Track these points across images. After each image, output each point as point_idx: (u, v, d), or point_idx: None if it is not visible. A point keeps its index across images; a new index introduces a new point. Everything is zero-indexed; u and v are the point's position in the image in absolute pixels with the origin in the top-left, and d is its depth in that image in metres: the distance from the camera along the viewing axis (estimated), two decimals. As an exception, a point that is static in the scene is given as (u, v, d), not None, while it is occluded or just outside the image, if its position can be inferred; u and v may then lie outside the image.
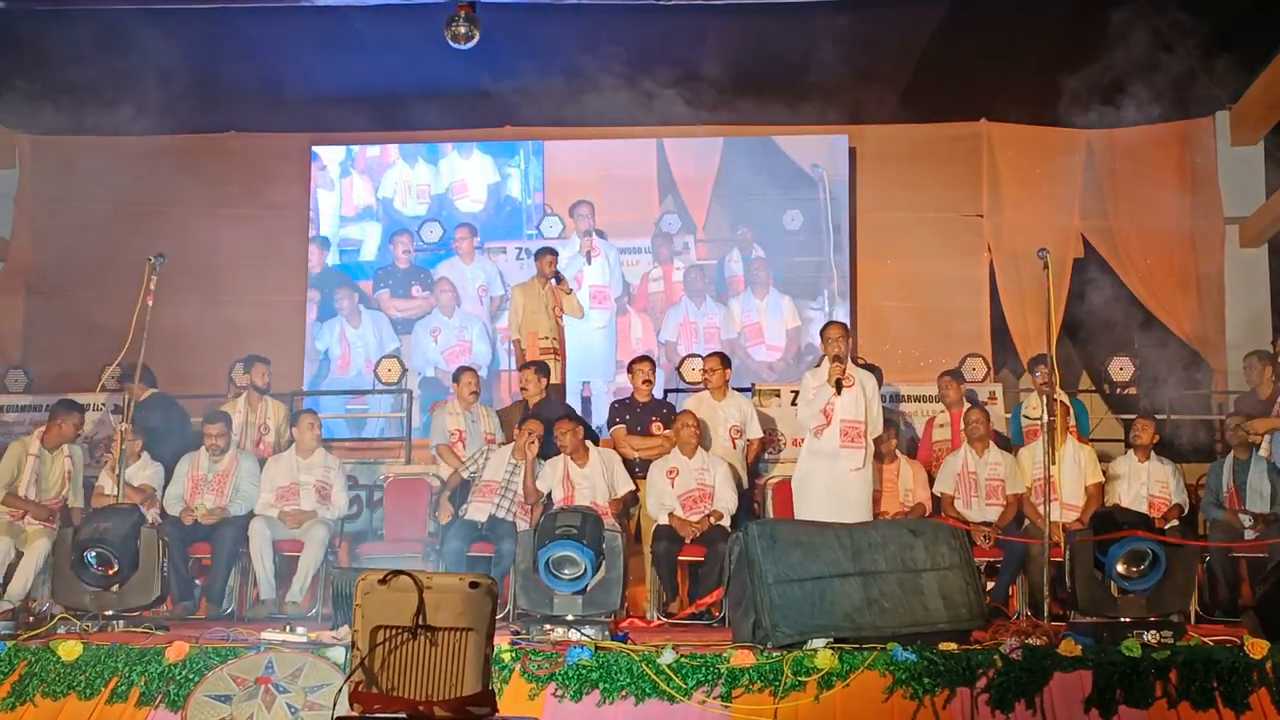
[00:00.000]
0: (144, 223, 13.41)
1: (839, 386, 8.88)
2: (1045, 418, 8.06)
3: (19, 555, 8.92)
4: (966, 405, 10.19)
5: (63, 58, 11.62)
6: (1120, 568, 7.21)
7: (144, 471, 9.81)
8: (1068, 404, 9.95)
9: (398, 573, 4.10)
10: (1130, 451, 9.75)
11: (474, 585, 4.10)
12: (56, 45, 11.49)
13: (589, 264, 13.12)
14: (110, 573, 7.38)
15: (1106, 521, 7.52)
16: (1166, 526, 8.79)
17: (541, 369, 10.51)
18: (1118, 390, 11.52)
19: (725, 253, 13.60)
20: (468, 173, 13.95)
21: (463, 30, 11.06)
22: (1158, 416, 10.96)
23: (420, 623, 4.07)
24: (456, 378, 10.57)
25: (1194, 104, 12.79)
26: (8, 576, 8.80)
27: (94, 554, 7.32)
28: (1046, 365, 8.71)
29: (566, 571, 7.30)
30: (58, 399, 9.95)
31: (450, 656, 4.10)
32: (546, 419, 9.68)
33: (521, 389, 10.54)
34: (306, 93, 13.17)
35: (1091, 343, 12.51)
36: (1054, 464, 8.33)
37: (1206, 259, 13.22)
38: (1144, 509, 9.14)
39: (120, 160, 13.86)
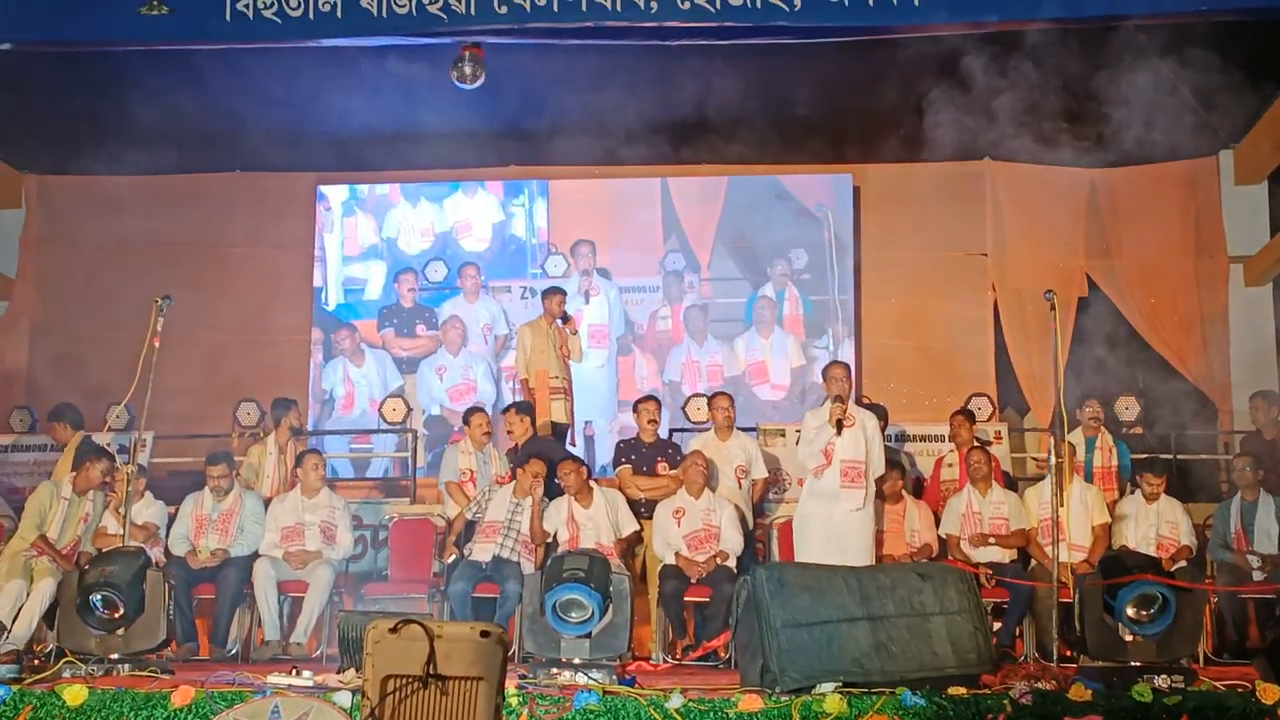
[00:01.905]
0: (149, 262, 13.47)
1: (839, 426, 8.88)
2: (1053, 458, 8.04)
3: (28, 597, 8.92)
4: (974, 445, 10.19)
5: (69, 98, 11.69)
6: (1130, 611, 7.17)
7: (147, 510, 9.79)
8: (1110, 445, 10.00)
9: (408, 621, 4.08)
10: (1138, 492, 9.73)
11: (485, 634, 4.08)
12: (63, 86, 11.56)
13: (586, 303, 13.12)
14: (116, 616, 7.35)
15: (1115, 565, 7.48)
16: (1175, 568, 8.75)
17: (523, 409, 10.49)
18: (1124, 430, 11.49)
19: (742, 291, 13.59)
20: (472, 212, 13.98)
21: (468, 71, 11.10)
22: (1162, 456, 10.96)
23: (431, 672, 4.05)
24: (467, 419, 10.55)
25: (1198, 143, 12.81)
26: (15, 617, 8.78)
27: (100, 597, 7.29)
28: (1097, 401, 8.70)
29: (574, 615, 7.26)
30: (92, 446, 9.95)
31: (461, 706, 4.08)
32: (549, 459, 9.67)
33: (507, 431, 10.50)
34: (312, 132, 13.20)
35: (1097, 382, 12.49)
36: (1061, 505, 8.30)
37: (1211, 298, 13.24)
38: (1152, 550, 9.13)
39: (126, 200, 13.90)
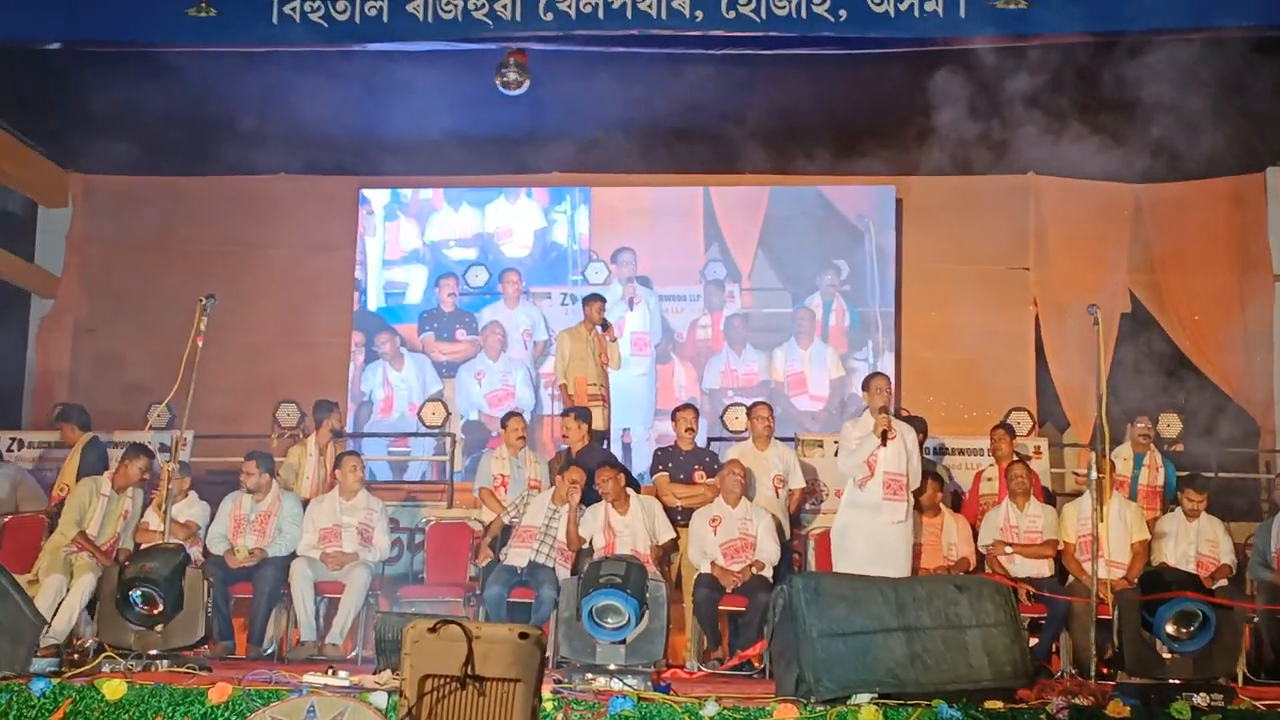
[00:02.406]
0: (192, 262, 13.57)
1: (884, 438, 8.86)
2: (1094, 474, 7.99)
3: (67, 591, 9.00)
4: (1014, 459, 10.15)
5: (116, 98, 11.77)
6: (1170, 628, 7.10)
7: (190, 509, 9.88)
8: (1159, 463, 10.07)
9: (447, 621, 4.09)
10: (1178, 509, 9.66)
11: (523, 636, 4.09)
12: (110, 85, 11.63)
13: (631, 310, 13.13)
14: (155, 612, 7.38)
15: (1155, 581, 7.42)
16: (1215, 586, 8.69)
17: (583, 415, 10.51)
18: (1165, 447, 11.41)
19: (805, 297, 13.58)
20: (514, 217, 14.03)
21: (513, 77, 11.17)
22: (1203, 474, 10.87)
23: (469, 672, 4.06)
24: (504, 423, 10.59)
25: (1244, 159, 12.73)
26: (55, 612, 8.85)
27: (139, 593, 7.33)
28: (1148, 418, 8.65)
29: (610, 621, 7.25)
30: (130, 443, 10.04)
31: (498, 707, 4.08)
32: (588, 466, 9.68)
33: (563, 436, 10.55)
34: (356, 136, 13.28)
35: (1138, 399, 12.42)
36: (1101, 520, 8.24)
37: (1255, 315, 13.14)
38: (1191, 567, 9.04)
39: (170, 200, 14.08)
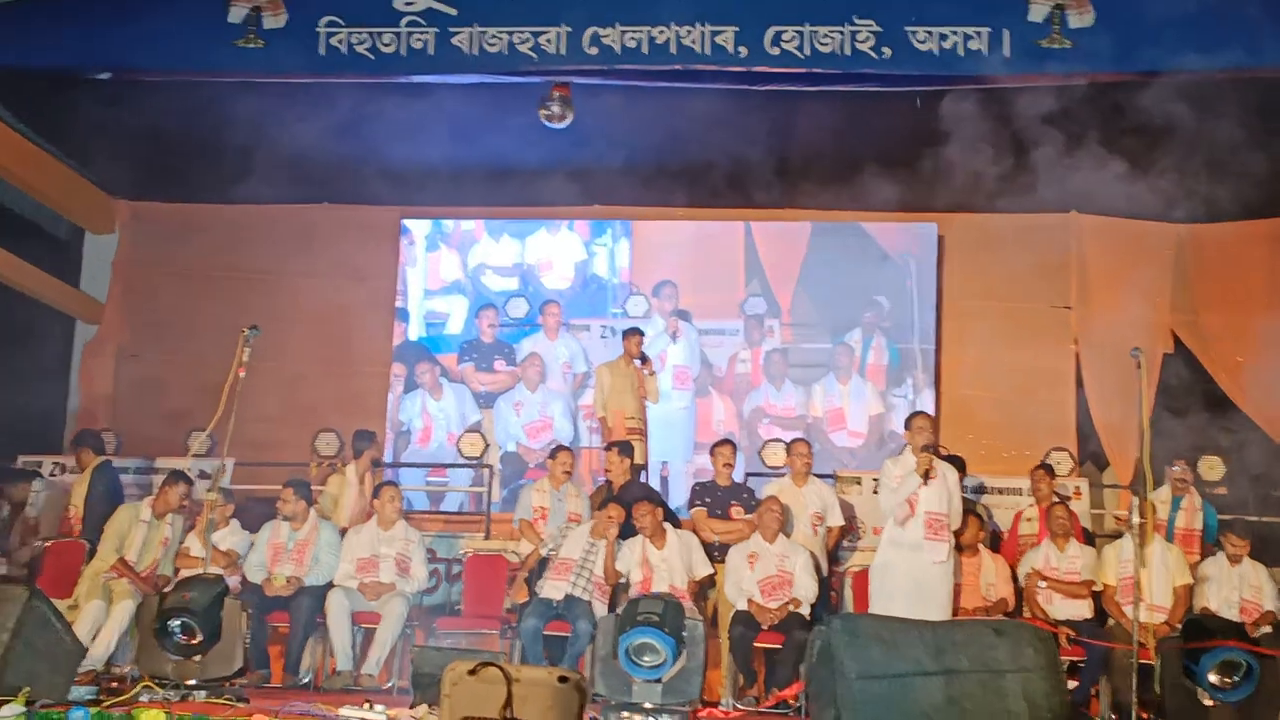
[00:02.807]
0: (235, 290, 13.66)
1: (926, 477, 8.83)
2: (1136, 518, 7.93)
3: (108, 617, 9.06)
4: (1055, 500, 10.09)
5: (164, 127, 11.90)
6: (1213, 677, 7.06)
7: (231, 537, 9.93)
8: (1198, 505, 10.00)
9: (487, 664, 4.09)
10: (1221, 554, 9.57)
11: (563, 680, 4.09)
12: (158, 114, 11.76)
13: (674, 342, 13.12)
14: (193, 642, 7.43)
15: (1199, 629, 7.37)
16: (1258, 633, 8.60)
17: (625, 449, 10.51)
18: (1207, 490, 11.31)
19: (844, 333, 13.54)
20: (555, 249, 14.05)
21: (557, 110, 11.25)
22: (1247, 518, 10.76)
23: (508, 715, 4.05)
24: (552, 455, 10.58)
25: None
26: (94, 638, 8.90)
27: (178, 623, 7.38)
28: (1186, 461, 8.58)
29: (647, 659, 7.26)
30: (167, 470, 10.11)
31: (537, 750, 4.08)
32: (625, 501, 9.67)
33: (605, 470, 10.55)
34: (399, 166, 13.33)
35: (1180, 440, 12.32)
36: (1143, 565, 8.18)
37: (1300, 358, 13.02)
38: (1234, 613, 8.97)
39: (215, 228, 14.17)
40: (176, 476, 9.85)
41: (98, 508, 10.51)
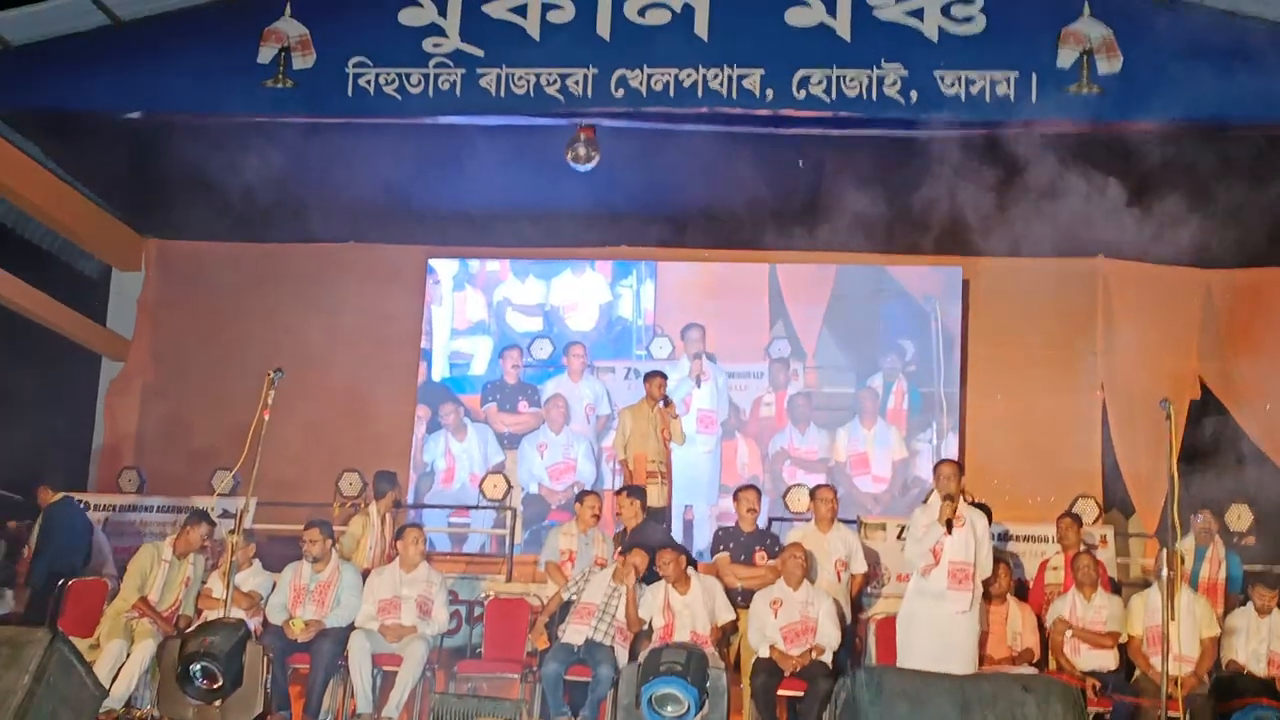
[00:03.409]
0: (261, 329, 13.72)
1: (949, 526, 8.77)
2: (1165, 570, 7.85)
3: (127, 657, 9.04)
4: (1081, 548, 10.01)
5: (192, 166, 11.97)
6: (1243, 735, 6.98)
7: (254, 578, 9.89)
8: (1221, 556, 9.93)
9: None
10: (1249, 605, 9.47)
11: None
12: (186, 154, 11.83)
13: (698, 387, 13.09)
14: (214, 687, 7.40)
15: (1229, 686, 7.29)
16: (1288, 686, 8.50)
17: (636, 493, 10.47)
18: (1236, 540, 11.22)
19: (868, 377, 13.52)
20: (580, 291, 14.07)
21: (583, 152, 11.28)
22: (1276, 569, 10.66)
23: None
24: (580, 499, 10.55)
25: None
26: (114, 678, 8.88)
27: (199, 667, 7.35)
28: (1210, 511, 8.52)
29: (669, 709, 7.21)
30: (191, 509, 10.15)
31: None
32: (649, 546, 9.62)
33: (617, 514, 10.50)
34: (426, 206, 13.42)
35: (1208, 489, 12.23)
36: (1172, 618, 8.08)
37: (1328, 405, 12.93)
38: (1262, 665, 8.89)
39: (241, 267, 14.24)
40: (199, 516, 9.85)
41: (50, 546, 10.55)
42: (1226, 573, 10.26)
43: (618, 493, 10.63)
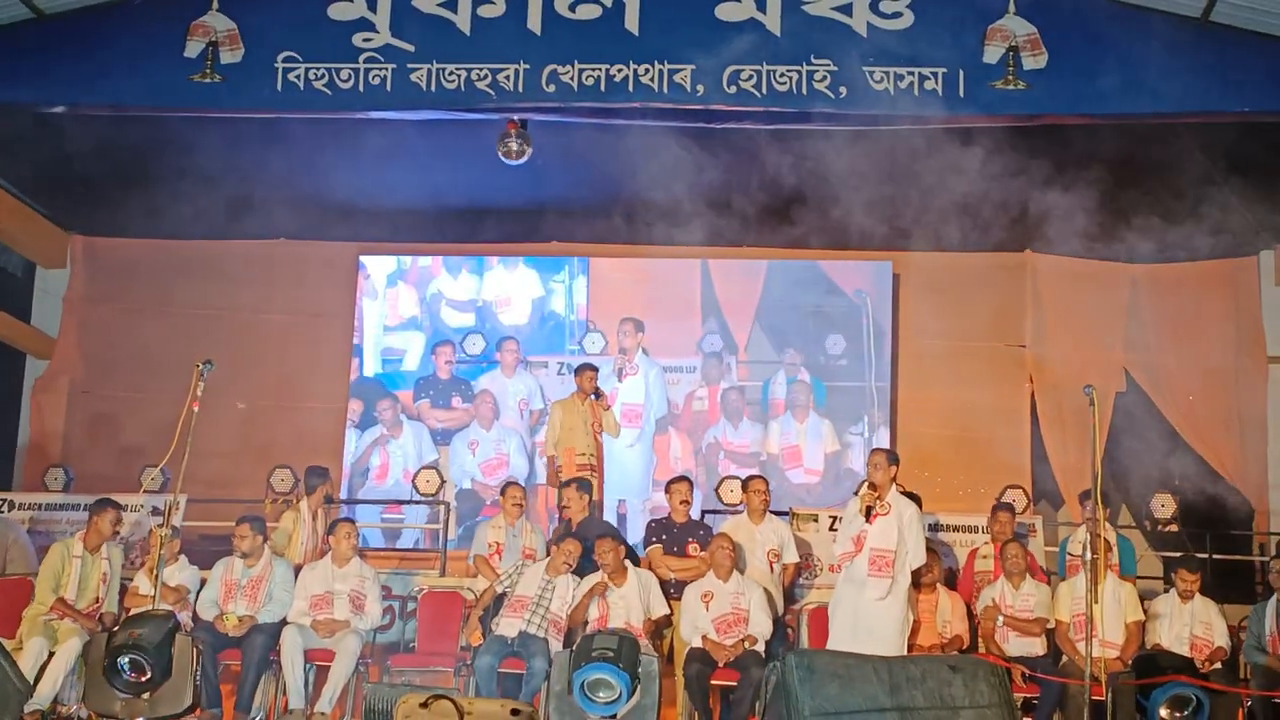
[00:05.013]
0: (189, 325, 13.60)
1: (869, 514, 8.84)
2: (1088, 554, 7.96)
3: (50, 655, 8.91)
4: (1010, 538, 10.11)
5: (118, 161, 11.84)
6: (1164, 712, 7.09)
7: (180, 573, 9.79)
8: (1112, 541, 9.84)
9: (439, 696, 4.06)
10: (1172, 590, 9.62)
11: (515, 713, 4.06)
12: (113, 149, 11.70)
13: (620, 381, 13.11)
14: (143, 679, 7.34)
15: (1149, 664, 7.41)
16: (1209, 670, 8.63)
17: (583, 486, 10.49)
18: (1159, 527, 11.39)
19: (770, 374, 13.59)
20: (512, 286, 14.07)
21: (514, 147, 11.27)
22: (1198, 555, 10.83)
23: (460, 749, 4.02)
24: (503, 491, 10.56)
25: (1239, 242, 12.79)
26: (38, 677, 8.75)
27: (127, 659, 7.29)
28: (1092, 500, 8.61)
29: (601, 694, 7.23)
30: (96, 499, 9.98)
31: (488, 784, 4.05)
32: (586, 538, 9.64)
33: (563, 507, 10.51)
34: (356, 202, 13.34)
35: (1132, 478, 12.40)
36: (1095, 601, 8.19)
37: (1249, 397, 13.15)
38: (1185, 649, 9.01)
39: (169, 263, 14.11)
40: (103, 504, 9.67)
41: None
42: (1119, 559, 10.36)
43: (564, 485, 10.63)
